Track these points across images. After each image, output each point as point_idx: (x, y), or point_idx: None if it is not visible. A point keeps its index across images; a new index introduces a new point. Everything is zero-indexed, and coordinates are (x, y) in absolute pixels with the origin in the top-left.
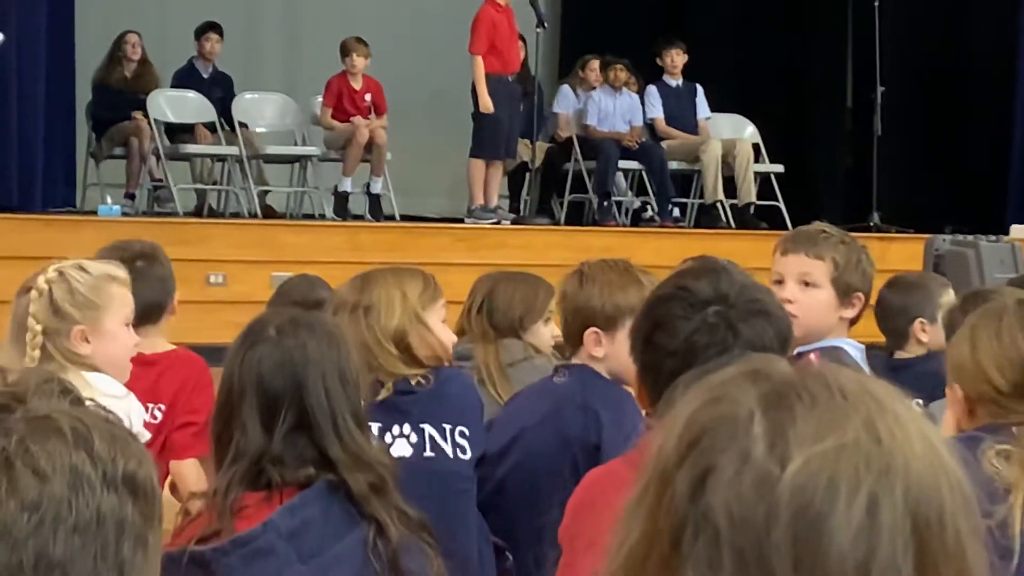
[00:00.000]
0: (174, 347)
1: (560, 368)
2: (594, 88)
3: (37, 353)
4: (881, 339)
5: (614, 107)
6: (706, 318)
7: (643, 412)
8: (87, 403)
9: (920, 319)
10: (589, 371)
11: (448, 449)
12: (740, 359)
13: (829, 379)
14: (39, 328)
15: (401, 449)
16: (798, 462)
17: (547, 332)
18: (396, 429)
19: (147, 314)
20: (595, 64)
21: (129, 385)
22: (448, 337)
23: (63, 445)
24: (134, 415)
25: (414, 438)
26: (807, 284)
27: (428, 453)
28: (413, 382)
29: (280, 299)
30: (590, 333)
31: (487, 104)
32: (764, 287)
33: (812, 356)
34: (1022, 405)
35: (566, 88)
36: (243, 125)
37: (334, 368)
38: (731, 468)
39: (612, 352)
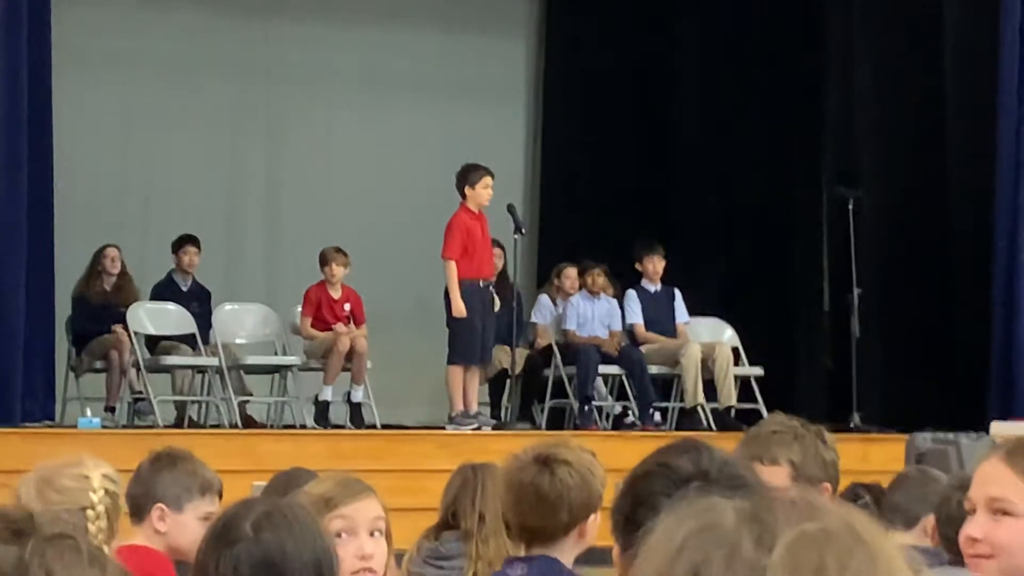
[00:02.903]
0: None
1: (514, 561)
2: (571, 295)
3: None
4: None
5: (593, 312)
6: (687, 494)
7: None
8: None
9: None
10: (552, 562)
11: None
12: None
13: (798, 500)
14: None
15: None
16: (784, 542)
17: None
18: None
19: (131, 510)
20: (570, 271)
21: None
22: None
23: None
24: None
25: None
26: None
27: None
28: None
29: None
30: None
31: (460, 309)
32: (745, 463)
33: None
34: None
35: (544, 298)
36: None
37: (313, 559)
38: (722, 562)
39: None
